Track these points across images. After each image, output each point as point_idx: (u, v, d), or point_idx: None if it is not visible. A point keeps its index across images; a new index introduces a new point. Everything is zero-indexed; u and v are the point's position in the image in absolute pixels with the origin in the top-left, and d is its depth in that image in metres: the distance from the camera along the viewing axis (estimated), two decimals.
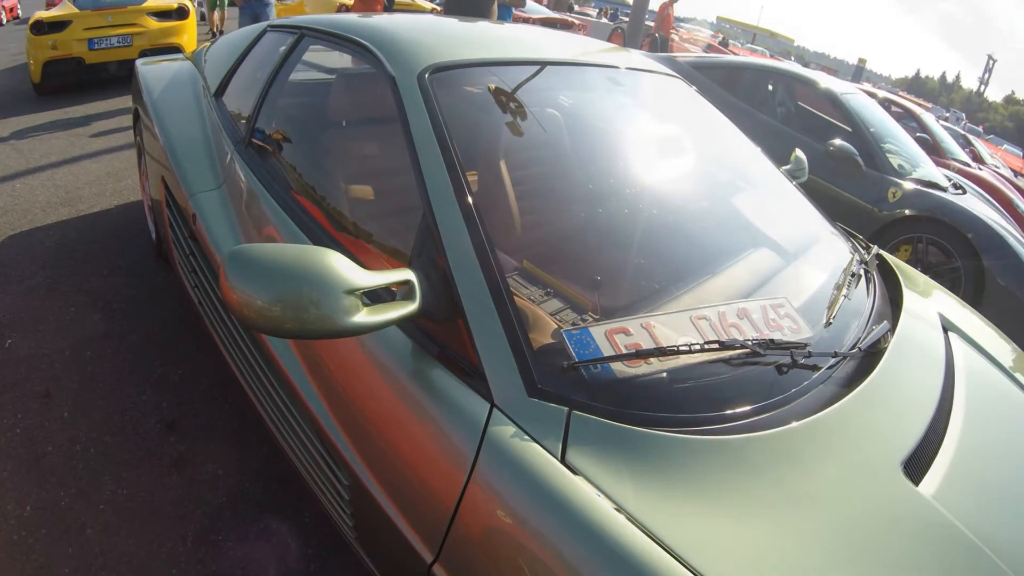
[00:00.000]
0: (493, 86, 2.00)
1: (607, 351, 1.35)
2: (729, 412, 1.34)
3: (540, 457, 1.19)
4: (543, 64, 2.23)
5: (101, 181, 5.00)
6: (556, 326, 1.45)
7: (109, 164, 5.39)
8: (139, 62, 3.76)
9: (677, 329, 1.45)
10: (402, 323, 1.42)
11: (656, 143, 2.26)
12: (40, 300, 3.36)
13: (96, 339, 3.10)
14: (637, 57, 2.76)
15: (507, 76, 2.06)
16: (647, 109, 2.46)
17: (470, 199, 1.54)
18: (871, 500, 1.25)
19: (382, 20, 2.34)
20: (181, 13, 8.02)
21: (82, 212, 4.43)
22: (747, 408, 1.35)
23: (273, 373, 1.88)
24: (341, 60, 2.74)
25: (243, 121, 2.47)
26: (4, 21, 16.49)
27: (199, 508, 2.29)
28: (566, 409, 1.25)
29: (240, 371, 2.17)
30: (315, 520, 2.32)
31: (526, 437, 1.22)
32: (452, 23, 2.50)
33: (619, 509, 1.10)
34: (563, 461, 1.18)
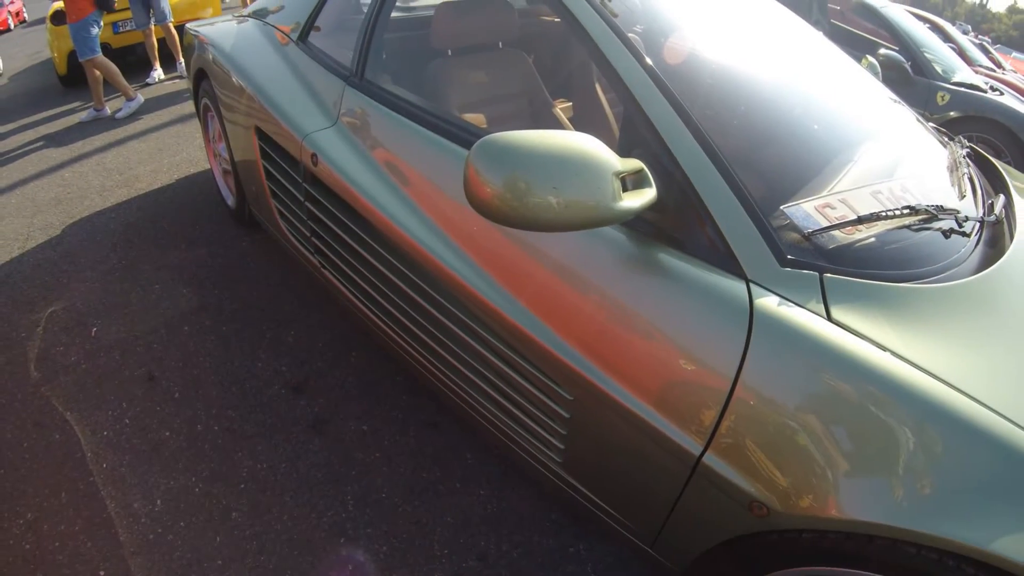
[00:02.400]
0: None
1: (823, 223, 1.38)
2: (934, 266, 1.38)
3: (812, 320, 1.22)
4: None
5: (154, 158, 4.83)
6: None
7: (158, 141, 5.21)
8: (190, 26, 3.63)
9: (864, 202, 1.47)
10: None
11: (786, 42, 2.23)
12: (119, 283, 3.21)
13: (190, 313, 2.95)
14: None
15: None
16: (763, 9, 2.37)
17: (669, 84, 1.51)
18: None
19: None
20: None
21: (141, 191, 4.26)
22: (945, 262, 1.41)
23: (451, 302, 1.81)
24: None
25: (349, 57, 2.36)
26: (12, 26, 16.55)
27: (352, 469, 2.17)
28: (816, 274, 1.29)
29: (381, 315, 2.11)
30: (480, 459, 2.22)
31: (791, 303, 1.25)
32: None
33: (894, 354, 1.16)
34: (830, 320, 1.22)
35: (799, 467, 1.19)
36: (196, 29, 3.50)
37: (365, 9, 2.43)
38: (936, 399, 1.10)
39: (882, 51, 5.56)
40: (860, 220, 1.39)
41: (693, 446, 1.31)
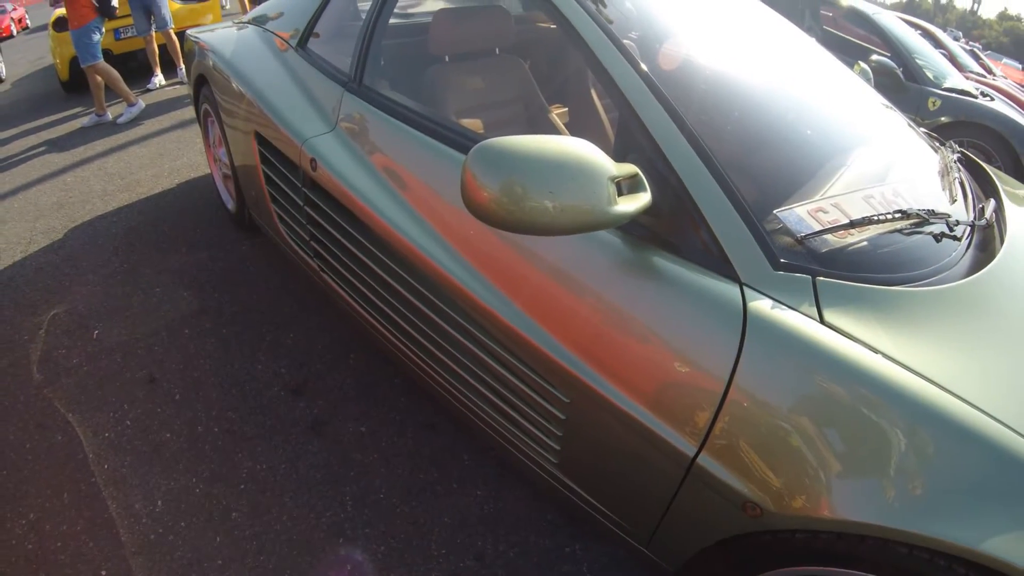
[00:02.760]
0: None
1: (816, 227, 1.38)
2: (925, 270, 1.38)
3: (805, 322, 1.22)
4: None
5: (155, 163, 4.82)
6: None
7: (159, 146, 5.20)
8: (191, 32, 3.62)
9: (856, 206, 1.47)
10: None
11: (780, 48, 2.22)
12: (120, 286, 3.20)
13: (190, 316, 2.94)
14: None
15: None
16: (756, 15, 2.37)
17: (664, 90, 1.51)
18: None
19: None
20: None
21: (143, 195, 4.25)
22: (936, 265, 1.41)
23: (449, 305, 1.81)
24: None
25: (347, 63, 2.37)
26: (15, 32, 16.62)
27: (351, 470, 2.16)
28: (809, 277, 1.28)
29: (379, 318, 2.11)
30: (477, 460, 2.22)
31: (784, 307, 1.25)
32: None
33: (886, 356, 1.16)
34: (823, 322, 1.22)
35: (792, 468, 1.19)
36: (197, 35, 3.49)
37: (364, 16, 2.42)
38: (927, 401, 1.10)
39: (874, 57, 5.50)
40: (852, 224, 1.39)
41: (687, 447, 1.31)
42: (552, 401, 1.55)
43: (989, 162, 4.82)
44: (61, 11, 6.51)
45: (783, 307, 1.25)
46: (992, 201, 1.78)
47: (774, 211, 1.40)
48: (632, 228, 1.44)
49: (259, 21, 3.12)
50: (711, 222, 1.35)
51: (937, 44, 7.83)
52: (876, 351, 1.17)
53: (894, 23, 6.22)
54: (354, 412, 2.39)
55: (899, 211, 1.45)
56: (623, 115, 1.52)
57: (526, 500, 2.05)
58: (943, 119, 5.49)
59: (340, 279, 2.28)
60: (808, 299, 1.26)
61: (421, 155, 1.92)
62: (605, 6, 1.71)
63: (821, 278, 1.28)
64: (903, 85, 5.54)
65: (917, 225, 1.45)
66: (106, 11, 5.54)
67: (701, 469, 1.30)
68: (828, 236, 1.37)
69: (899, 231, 1.43)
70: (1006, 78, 9.88)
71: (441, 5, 2.82)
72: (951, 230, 1.48)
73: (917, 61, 5.79)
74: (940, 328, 1.26)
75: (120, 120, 5.82)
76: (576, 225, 1.21)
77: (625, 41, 1.61)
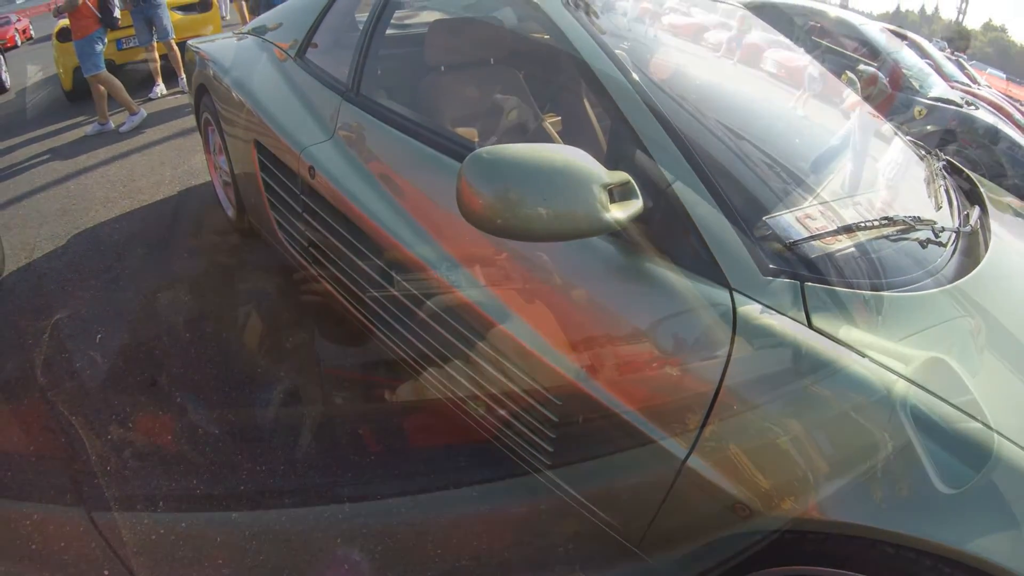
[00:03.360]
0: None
1: (804, 233, 1.38)
2: (911, 275, 1.39)
3: (793, 327, 1.22)
4: None
5: (156, 170, 4.80)
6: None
7: (160, 154, 5.19)
8: (191, 42, 3.62)
9: (844, 213, 1.49)
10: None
11: (766, 53, 2.29)
12: (122, 291, 3.18)
13: (191, 320, 2.93)
14: None
15: None
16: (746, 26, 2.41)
17: (655, 99, 1.52)
18: None
19: None
20: (204, 5, 7.76)
21: (144, 202, 4.23)
22: (922, 271, 1.42)
23: (444, 309, 1.81)
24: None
25: (345, 73, 2.37)
26: (20, 43, 16.60)
27: (349, 471, 2.16)
28: (798, 283, 1.29)
29: (376, 321, 2.12)
30: (473, 461, 2.21)
31: (774, 312, 1.25)
32: None
33: (873, 360, 1.17)
34: (811, 327, 1.22)
35: (781, 470, 1.20)
36: (197, 46, 3.50)
37: (361, 27, 2.43)
38: (913, 404, 1.11)
39: (861, 67, 5.50)
40: (840, 230, 1.39)
41: (678, 450, 1.31)
42: (545, 404, 1.55)
43: (974, 170, 4.89)
44: (65, 22, 6.45)
45: (772, 312, 1.25)
46: (977, 208, 1.79)
47: (763, 218, 1.40)
48: (624, 234, 1.42)
49: (258, 32, 3.12)
50: (701, 229, 1.35)
51: (923, 54, 7.88)
52: (863, 355, 1.17)
53: (881, 33, 6.27)
54: (352, 414, 2.39)
55: (886, 218, 1.46)
56: (615, 124, 1.54)
57: (521, 500, 2.04)
58: (929, 127, 5.54)
59: (338, 284, 2.28)
60: (796, 304, 1.26)
61: (417, 163, 1.93)
62: (598, 17, 1.71)
63: (809, 283, 1.28)
64: (889, 94, 5.54)
65: (903, 231, 1.46)
66: (108, 22, 5.56)
67: (691, 471, 1.30)
68: (816, 242, 1.37)
69: (886, 237, 1.44)
70: (990, 87, 9.93)
71: (437, 16, 2.82)
72: (937, 236, 1.50)
73: (903, 71, 5.83)
74: (926, 332, 1.27)
75: (122, 129, 5.81)
76: (569, 231, 1.21)
77: (617, 51, 1.61)
